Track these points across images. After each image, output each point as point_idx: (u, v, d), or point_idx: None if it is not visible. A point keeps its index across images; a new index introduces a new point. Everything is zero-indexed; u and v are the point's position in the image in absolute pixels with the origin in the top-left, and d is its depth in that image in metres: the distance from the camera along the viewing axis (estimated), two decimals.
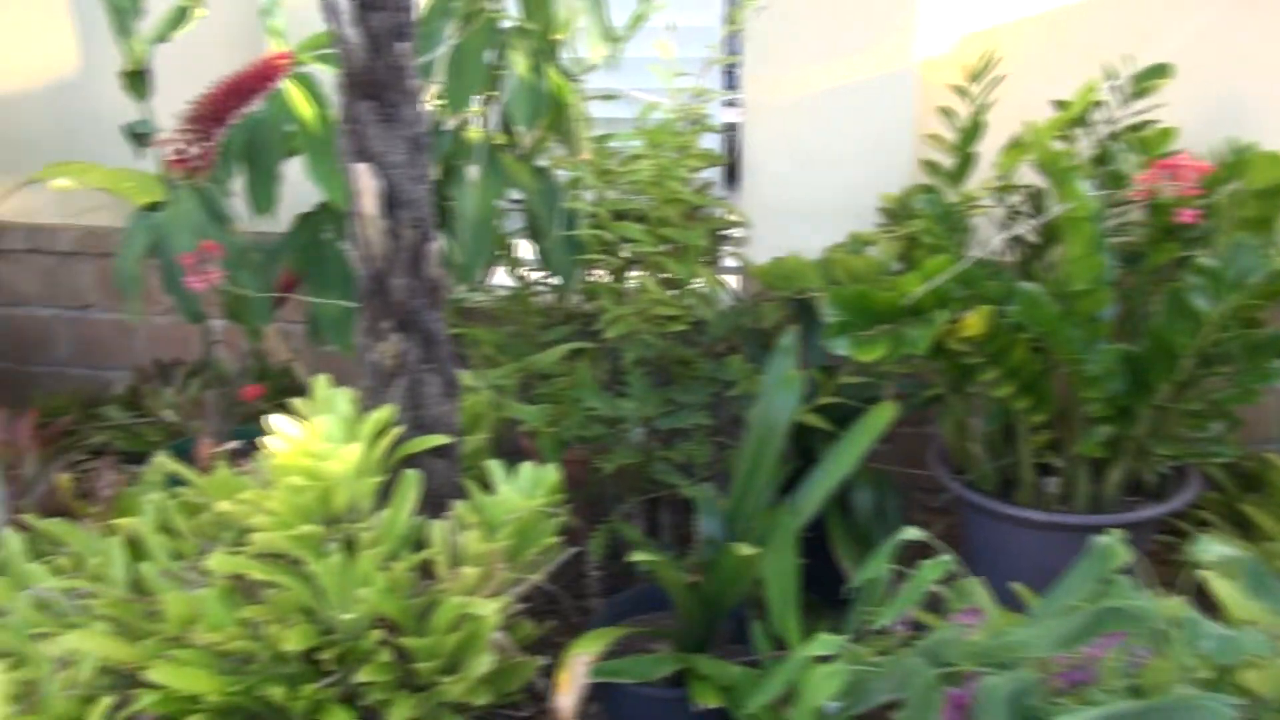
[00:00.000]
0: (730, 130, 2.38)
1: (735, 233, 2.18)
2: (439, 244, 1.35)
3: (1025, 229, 1.85)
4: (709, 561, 1.52)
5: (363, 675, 1.28)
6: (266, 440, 1.43)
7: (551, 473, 1.56)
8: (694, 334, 2.10)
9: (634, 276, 2.08)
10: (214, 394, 2.60)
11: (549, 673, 1.48)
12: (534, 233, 1.97)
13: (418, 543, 1.44)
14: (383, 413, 1.40)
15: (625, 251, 2.08)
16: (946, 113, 1.90)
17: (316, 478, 1.35)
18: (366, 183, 1.28)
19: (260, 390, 1.93)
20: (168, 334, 2.85)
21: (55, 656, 1.31)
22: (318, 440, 1.39)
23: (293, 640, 1.26)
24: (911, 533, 1.23)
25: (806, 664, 1.11)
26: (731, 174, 2.43)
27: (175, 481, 1.86)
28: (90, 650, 1.29)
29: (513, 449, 1.77)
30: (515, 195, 1.99)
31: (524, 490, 1.53)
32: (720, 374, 1.96)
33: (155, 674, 1.20)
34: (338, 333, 1.82)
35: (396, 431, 1.39)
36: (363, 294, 1.37)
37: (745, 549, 1.38)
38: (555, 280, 2.04)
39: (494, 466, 1.56)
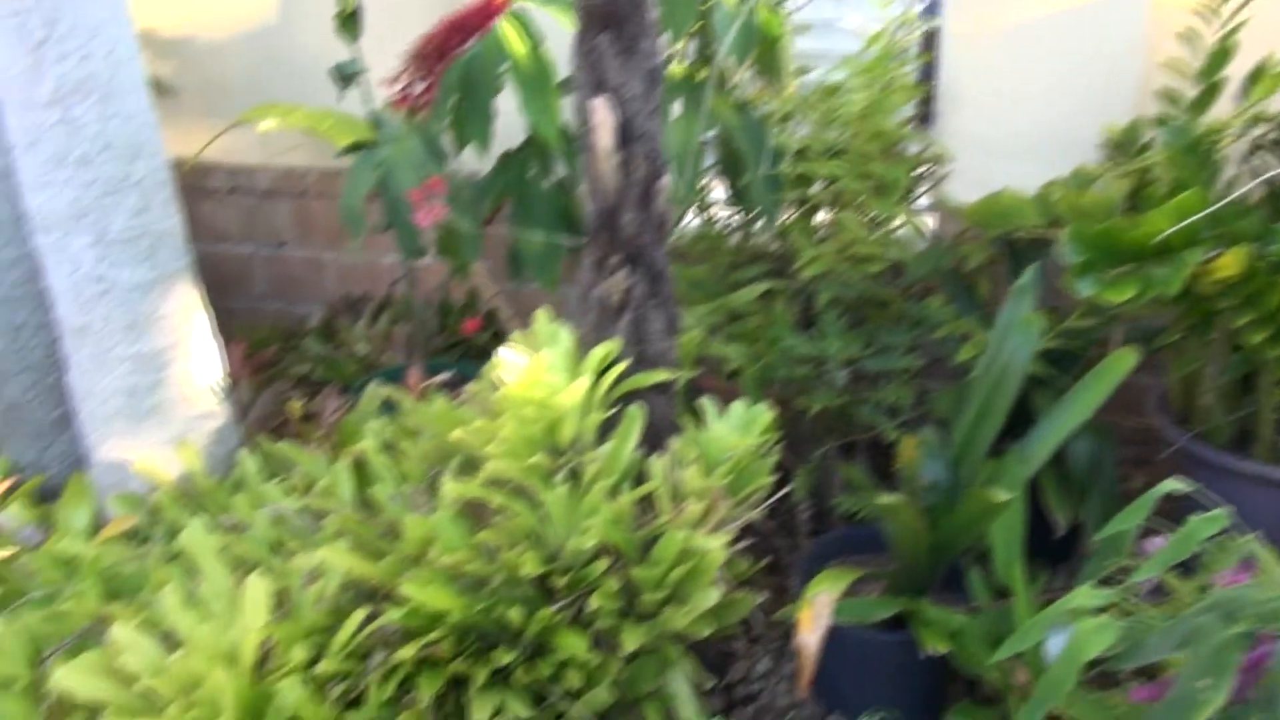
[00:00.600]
0: (927, 62, 2.27)
1: (935, 169, 2.09)
2: (668, 179, 1.34)
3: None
4: (934, 506, 1.48)
5: (594, 601, 1.31)
6: (495, 372, 1.47)
7: (764, 412, 1.54)
8: (891, 275, 2.04)
9: (828, 215, 2.03)
10: (404, 328, 2.70)
11: (763, 609, 1.48)
12: (731, 170, 1.93)
13: (638, 476, 1.46)
14: (609, 347, 1.41)
15: (822, 189, 2.03)
16: (1188, 36, 1.76)
17: (546, 410, 1.38)
18: (603, 116, 1.27)
19: (478, 324, 1.97)
20: (356, 270, 2.96)
21: (304, 570, 1.39)
22: (545, 374, 1.41)
23: (529, 565, 1.30)
24: (1172, 485, 1.16)
25: (1063, 615, 1.07)
26: (926, 108, 2.33)
27: (388, 409, 1.95)
28: (337, 566, 1.36)
29: (695, 389, 1.76)
30: (712, 131, 1.96)
31: (738, 428, 1.52)
32: (920, 316, 1.90)
33: (406, 589, 1.25)
34: (541, 269, 1.84)
35: (621, 366, 1.40)
36: (591, 229, 1.37)
37: (997, 494, 1.32)
38: (751, 218, 2.01)
39: (707, 404, 1.56)
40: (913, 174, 2.04)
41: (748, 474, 1.48)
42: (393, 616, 1.28)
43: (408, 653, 1.23)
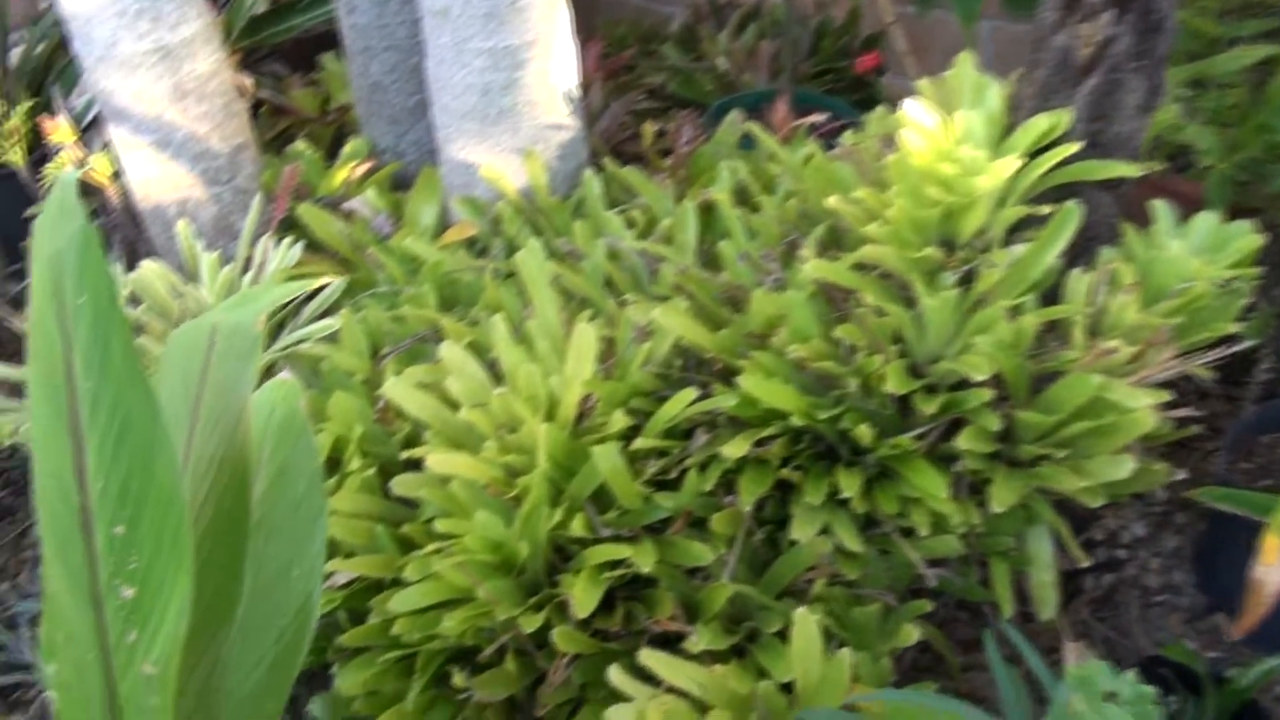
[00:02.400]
0: None
1: None
2: None
3: None
4: None
5: (963, 441, 1.06)
6: (884, 126, 1.16)
7: (1245, 232, 1.14)
8: None
9: None
10: (771, 45, 2.38)
11: (1173, 487, 1.17)
12: None
13: (1050, 293, 1.14)
14: (1056, 119, 1.05)
15: None
16: None
17: (952, 191, 1.07)
18: None
19: (876, 60, 1.64)
20: None
21: (635, 323, 1.25)
22: (957, 143, 1.09)
23: (893, 380, 1.06)
24: None
25: None
26: None
27: (746, 144, 1.70)
28: (671, 328, 1.20)
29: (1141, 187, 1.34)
30: None
31: (1202, 251, 1.14)
32: None
33: (745, 380, 1.07)
34: None
35: (1068, 149, 1.05)
36: None
37: None
38: None
39: (1161, 210, 1.17)
40: None
41: (1203, 315, 1.11)
42: (725, 403, 1.11)
43: (736, 449, 1.06)
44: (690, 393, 1.11)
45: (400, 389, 1.20)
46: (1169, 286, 1.11)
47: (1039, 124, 1.06)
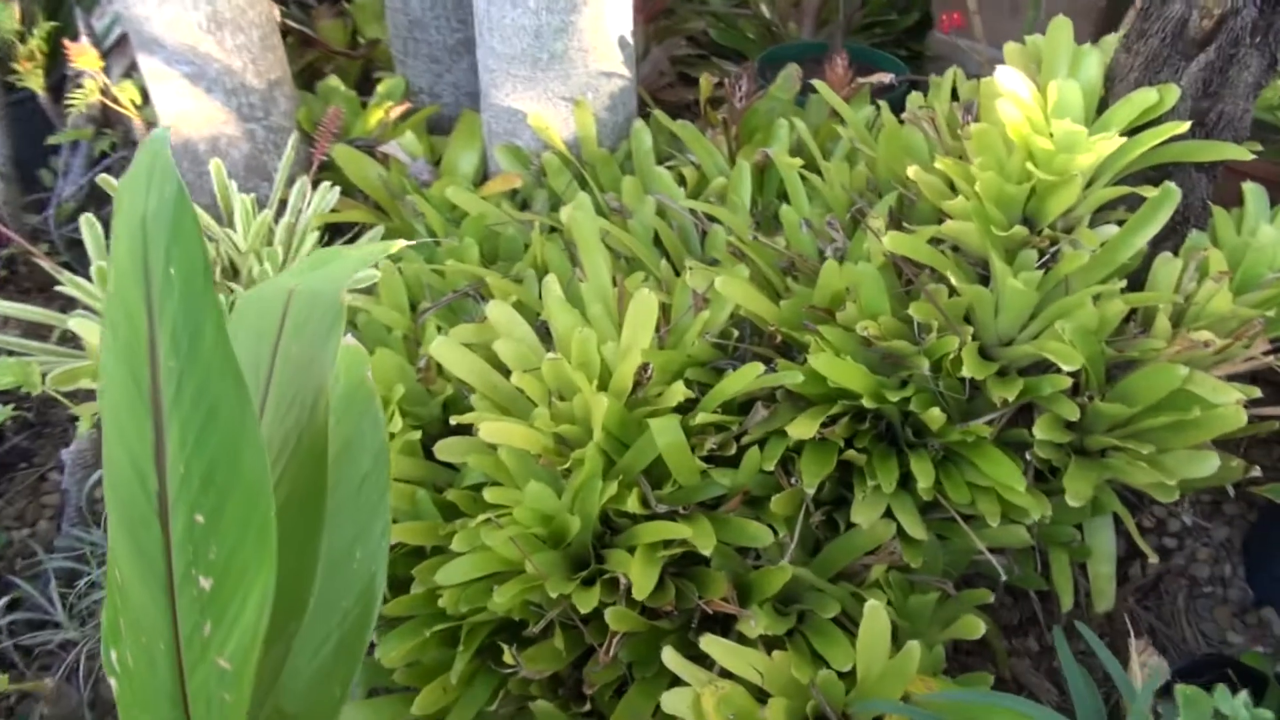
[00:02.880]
0: None
1: None
2: None
3: None
4: None
5: (1039, 430, 1.02)
6: (975, 97, 1.10)
7: None
8: None
9: None
10: None
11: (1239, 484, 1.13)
12: None
13: (1134, 277, 1.09)
14: (1160, 95, 0.99)
15: None
16: None
17: (1045, 168, 1.01)
18: None
19: (960, 20, 1.56)
20: None
21: (690, 289, 1.20)
22: (1052, 115, 1.03)
23: (969, 365, 1.02)
24: None
25: None
26: None
27: (800, 99, 1.64)
28: (731, 296, 1.15)
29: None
30: None
31: None
32: None
33: (814, 359, 1.03)
34: None
35: (1173, 127, 0.99)
36: None
37: None
38: None
39: (1254, 194, 1.12)
40: None
41: None
42: (791, 380, 1.07)
43: (803, 430, 1.02)
44: (757, 367, 1.06)
45: (447, 349, 1.16)
46: (1260, 275, 1.07)
47: (1144, 98, 1.00)
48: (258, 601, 0.57)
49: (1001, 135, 1.07)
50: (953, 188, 1.09)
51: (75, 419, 1.18)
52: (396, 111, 1.62)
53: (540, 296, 1.32)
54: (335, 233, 1.51)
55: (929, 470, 1.01)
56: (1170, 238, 1.09)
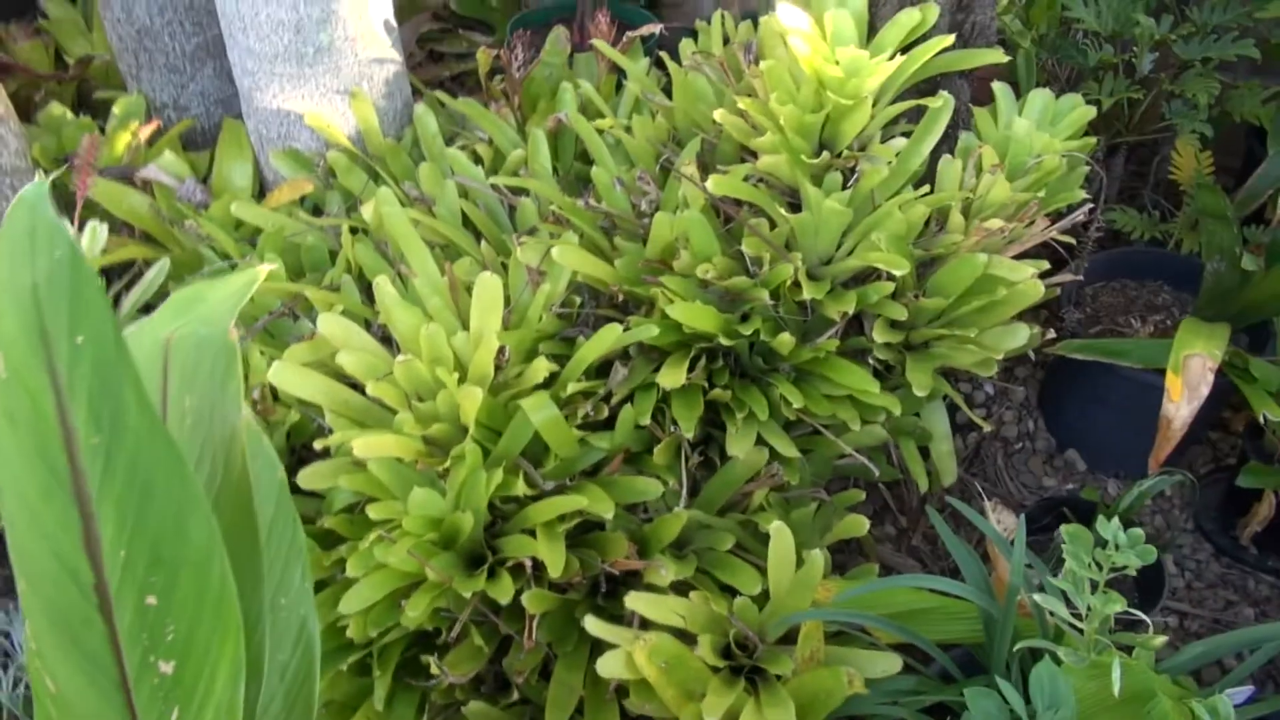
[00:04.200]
0: None
1: None
2: None
3: None
4: (1275, 243, 1.22)
5: (877, 334, 1.11)
6: (775, 35, 1.16)
7: (1079, 104, 1.24)
8: None
9: None
10: None
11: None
12: None
13: (922, 181, 1.20)
14: (924, 13, 1.08)
15: None
16: None
17: (839, 94, 1.09)
18: None
19: None
20: None
21: (527, 264, 1.19)
22: (833, 45, 1.11)
23: (809, 289, 1.09)
24: None
25: None
26: None
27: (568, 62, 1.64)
28: (569, 264, 1.16)
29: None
30: None
31: (1042, 125, 1.23)
32: None
33: (671, 309, 1.06)
34: None
35: (940, 42, 1.08)
36: None
37: None
38: None
39: (1002, 91, 1.25)
40: None
41: (1055, 186, 1.21)
42: (648, 333, 1.09)
43: (672, 378, 1.05)
44: (615, 329, 1.08)
45: (288, 373, 1.09)
46: (1023, 163, 1.20)
47: (909, 18, 1.09)
48: (228, 673, 0.53)
49: (790, 70, 1.14)
50: (752, 125, 1.15)
51: None
52: (145, 132, 1.48)
53: (364, 302, 1.27)
54: (110, 275, 1.37)
55: (794, 392, 1.08)
56: (945, 141, 1.20)
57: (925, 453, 1.28)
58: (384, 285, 1.14)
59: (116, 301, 1.29)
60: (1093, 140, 1.21)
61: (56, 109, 1.54)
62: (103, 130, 1.53)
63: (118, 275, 1.35)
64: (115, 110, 1.54)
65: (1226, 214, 1.23)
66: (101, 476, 0.47)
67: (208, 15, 1.53)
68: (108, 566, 0.49)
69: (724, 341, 1.09)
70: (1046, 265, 1.12)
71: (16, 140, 1.35)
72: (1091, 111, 1.21)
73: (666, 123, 1.30)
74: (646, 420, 1.08)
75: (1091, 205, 1.25)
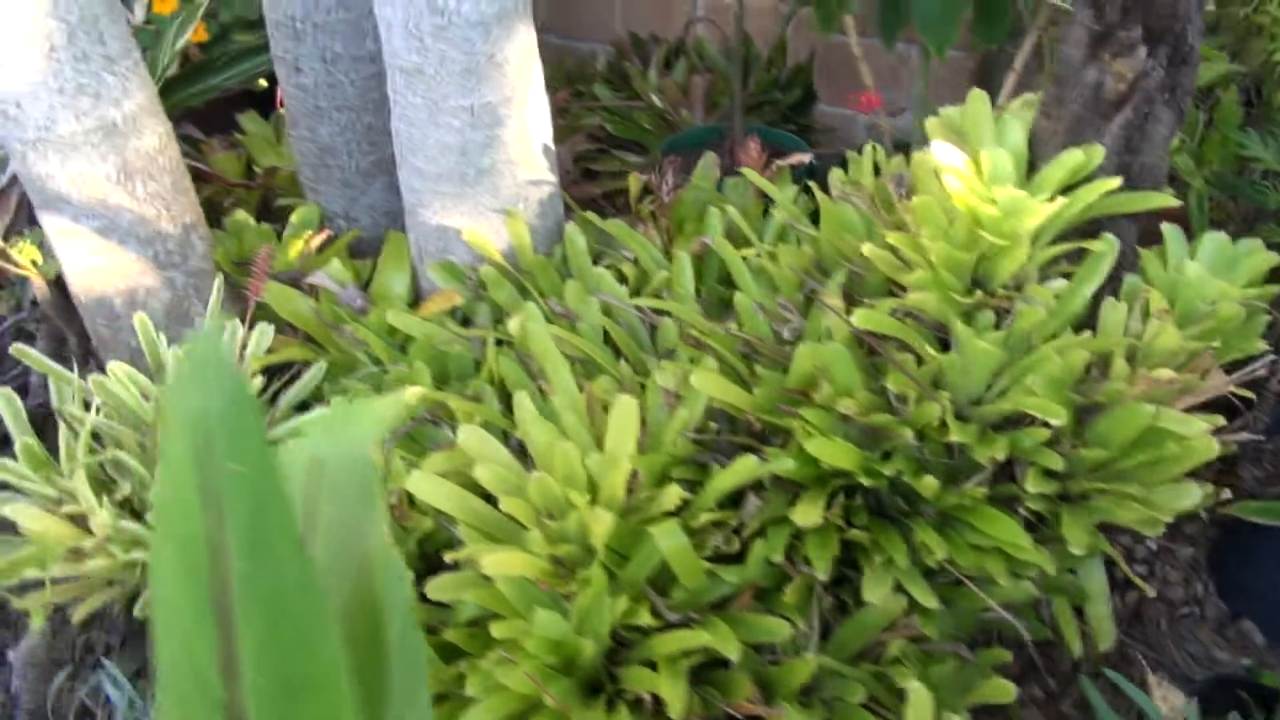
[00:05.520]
0: None
1: None
2: None
3: None
4: None
5: (1030, 483, 1.05)
6: (928, 170, 1.15)
7: (1258, 249, 1.17)
8: None
9: None
10: (703, 80, 2.37)
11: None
12: None
13: (1082, 326, 1.14)
14: (1089, 154, 1.05)
15: None
16: None
17: (995, 233, 1.06)
18: None
19: (877, 102, 1.62)
20: (645, 5, 2.61)
21: (663, 388, 1.19)
22: (989, 183, 1.08)
23: (955, 430, 1.04)
24: None
25: None
26: None
27: (720, 184, 1.67)
28: (706, 389, 1.15)
29: None
30: None
31: (1219, 270, 1.16)
32: None
33: (808, 443, 1.03)
34: (935, 25, 1.44)
35: (1108, 184, 1.05)
36: None
37: None
38: None
39: (1172, 234, 1.19)
40: None
41: (1231, 335, 1.13)
42: (784, 466, 1.07)
43: (808, 516, 1.02)
44: (751, 460, 1.05)
45: (425, 482, 1.11)
46: (1195, 308, 1.13)
47: (1072, 159, 1.06)
48: None
49: (943, 205, 1.12)
50: (901, 259, 1.13)
51: (22, 614, 1.08)
52: (316, 240, 1.58)
53: (503, 413, 1.29)
54: (272, 374, 1.45)
55: (934, 538, 1.02)
56: (1108, 284, 1.14)
57: (1079, 611, 1.18)
58: (523, 400, 1.16)
59: (275, 398, 1.36)
60: (1274, 288, 1.13)
61: (241, 215, 1.66)
62: (279, 236, 1.64)
63: (279, 372, 1.42)
64: (293, 219, 1.66)
65: None
66: (242, 596, 0.48)
67: (383, 136, 1.63)
68: (239, 683, 0.50)
69: (865, 481, 1.05)
70: (1221, 420, 1.04)
71: (203, 244, 1.47)
72: (1274, 258, 1.13)
73: (812, 251, 1.29)
74: (779, 557, 1.04)
75: (1274, 357, 1.16)
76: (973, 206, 1.05)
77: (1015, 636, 1.24)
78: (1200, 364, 1.07)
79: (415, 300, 1.57)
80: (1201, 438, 1.03)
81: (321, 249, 1.60)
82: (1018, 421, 1.12)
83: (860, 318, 1.08)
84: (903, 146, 1.91)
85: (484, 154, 1.38)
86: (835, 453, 1.04)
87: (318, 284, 1.50)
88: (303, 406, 1.37)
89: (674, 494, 1.06)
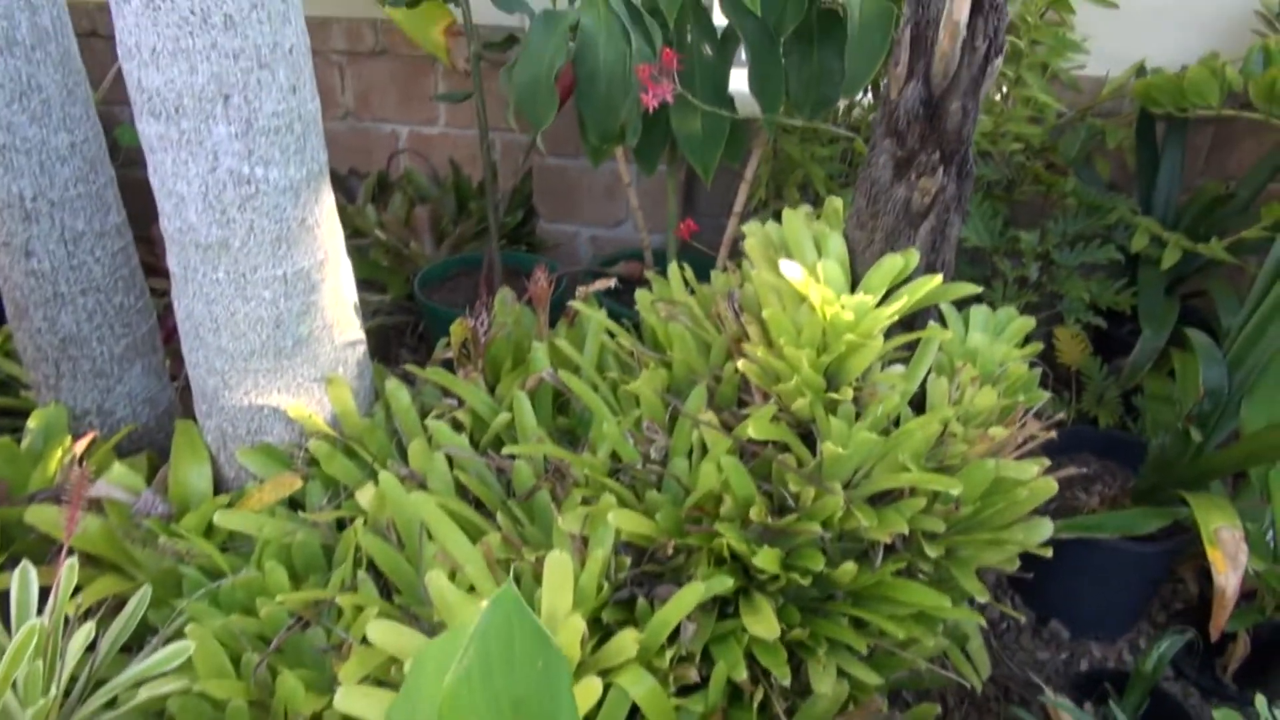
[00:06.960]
0: None
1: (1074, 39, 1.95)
2: (999, 62, 1.13)
3: None
4: (1206, 414, 1.41)
5: (930, 549, 1.17)
6: (767, 286, 1.25)
7: (1014, 315, 1.41)
8: (1027, 155, 1.91)
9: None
10: (423, 210, 2.36)
11: None
12: None
13: (914, 400, 1.30)
14: (907, 258, 1.22)
15: None
16: None
17: (853, 334, 1.18)
18: None
19: (693, 227, 1.70)
20: (340, 140, 2.55)
21: (569, 532, 1.17)
22: (838, 292, 1.21)
23: (863, 516, 1.13)
24: None
25: None
26: None
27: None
28: (621, 526, 1.14)
29: None
30: None
31: (995, 335, 1.39)
32: (1089, 200, 1.80)
33: (756, 559, 1.07)
34: (701, 151, 1.59)
35: (930, 283, 1.21)
36: (907, 117, 1.15)
37: None
38: None
39: (949, 310, 1.41)
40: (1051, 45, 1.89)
41: (1020, 388, 1.36)
42: (723, 585, 1.09)
43: (767, 628, 1.05)
44: (697, 587, 1.07)
45: (354, 698, 0.99)
46: (991, 371, 1.34)
47: (893, 263, 1.22)
48: None
49: (791, 317, 1.23)
50: (763, 370, 1.22)
51: None
52: (80, 446, 1.34)
53: (380, 597, 1.19)
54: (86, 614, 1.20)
55: (873, 616, 1.10)
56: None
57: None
58: (437, 579, 1.08)
59: (94, 644, 1.13)
60: (1039, 345, 1.37)
61: None
62: (19, 445, 1.37)
63: (90, 610, 1.19)
64: (30, 424, 1.40)
65: (1170, 396, 1.42)
66: None
67: (136, 316, 1.44)
68: None
69: (801, 580, 1.11)
70: (1048, 461, 1.24)
71: None
72: (1031, 322, 1.38)
73: (666, 373, 1.35)
74: (742, 674, 1.06)
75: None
76: (833, 314, 1.17)
77: (919, 688, 1.35)
78: (1014, 418, 1.27)
79: (216, 494, 1.39)
80: (1041, 480, 1.21)
81: (85, 456, 1.36)
82: (886, 496, 1.24)
83: (754, 428, 1.15)
84: (660, 259, 2.04)
85: (300, 322, 1.27)
86: (765, 559, 1.09)
87: (102, 495, 1.27)
88: (127, 648, 1.15)
89: (630, 639, 1.04)
